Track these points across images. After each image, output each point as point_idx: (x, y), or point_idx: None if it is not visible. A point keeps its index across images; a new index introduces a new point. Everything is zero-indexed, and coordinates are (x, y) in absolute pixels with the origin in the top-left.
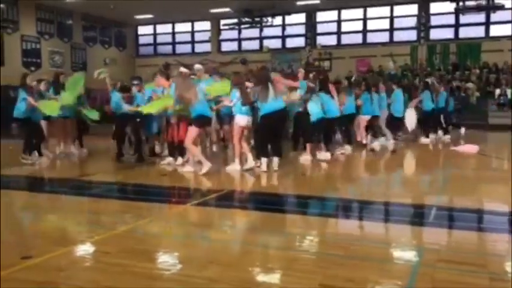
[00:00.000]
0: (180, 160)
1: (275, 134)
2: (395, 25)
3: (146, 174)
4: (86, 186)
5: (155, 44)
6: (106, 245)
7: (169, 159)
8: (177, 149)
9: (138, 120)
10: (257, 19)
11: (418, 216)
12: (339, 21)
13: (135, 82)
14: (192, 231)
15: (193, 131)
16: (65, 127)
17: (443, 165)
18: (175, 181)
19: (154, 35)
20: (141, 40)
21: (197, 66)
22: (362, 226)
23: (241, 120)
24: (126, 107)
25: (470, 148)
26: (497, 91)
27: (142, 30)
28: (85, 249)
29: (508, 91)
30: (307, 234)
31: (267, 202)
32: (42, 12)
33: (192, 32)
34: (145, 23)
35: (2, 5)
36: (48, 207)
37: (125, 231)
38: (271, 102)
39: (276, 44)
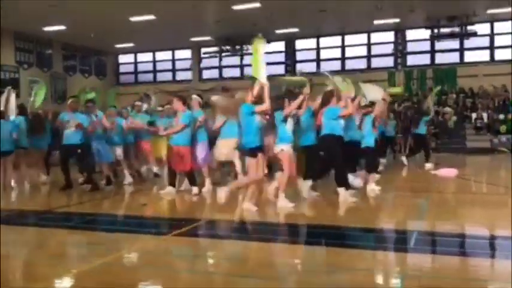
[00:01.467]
0: (195, 189)
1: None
2: (373, 52)
3: (126, 204)
4: (61, 218)
5: (136, 72)
6: (84, 280)
7: (170, 188)
8: (188, 178)
9: (78, 151)
10: (237, 47)
11: (399, 241)
12: (317, 49)
13: (89, 104)
14: (171, 263)
15: (252, 162)
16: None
17: (423, 189)
18: (156, 211)
19: (135, 63)
20: (122, 68)
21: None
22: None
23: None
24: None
25: (449, 172)
26: (474, 115)
27: (123, 58)
28: (62, 284)
29: (484, 115)
30: None
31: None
32: (21, 42)
33: (173, 60)
34: (126, 51)
35: None
36: (20, 240)
37: (103, 264)
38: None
39: None
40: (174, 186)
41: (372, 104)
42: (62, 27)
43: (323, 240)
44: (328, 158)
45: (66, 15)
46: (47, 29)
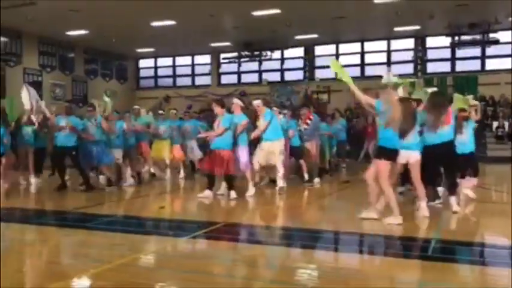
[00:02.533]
0: (233, 194)
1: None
2: (393, 59)
3: (144, 207)
4: (80, 219)
5: (156, 77)
6: (101, 279)
7: (207, 192)
8: (227, 182)
9: (73, 153)
10: (256, 53)
11: (418, 250)
12: (336, 55)
13: (89, 109)
14: (189, 265)
15: (383, 165)
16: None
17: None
18: (173, 214)
19: (155, 68)
20: (142, 73)
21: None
22: None
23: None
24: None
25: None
26: (495, 124)
27: (143, 63)
28: (79, 283)
29: (506, 124)
30: None
31: None
32: (44, 46)
33: (193, 65)
34: (147, 56)
35: (4, 39)
36: (40, 240)
37: (120, 265)
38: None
39: (275, 77)
40: (211, 190)
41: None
42: (84, 32)
43: None
44: (447, 165)
45: (88, 20)
46: (69, 33)
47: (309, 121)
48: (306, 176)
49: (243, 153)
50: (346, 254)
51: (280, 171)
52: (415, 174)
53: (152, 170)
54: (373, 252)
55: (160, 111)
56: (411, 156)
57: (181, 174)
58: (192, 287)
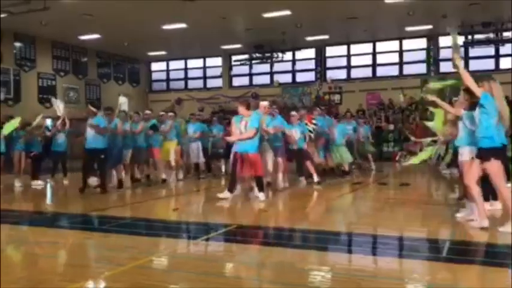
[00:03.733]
0: (262, 196)
1: None
2: (405, 59)
3: (156, 209)
4: (95, 222)
5: (168, 80)
6: (116, 282)
7: (227, 193)
8: (257, 184)
9: (102, 156)
10: (268, 54)
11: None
12: (348, 56)
13: (108, 112)
14: (202, 267)
15: (475, 166)
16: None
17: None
18: (186, 216)
19: (167, 71)
20: (154, 76)
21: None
22: None
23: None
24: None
25: None
26: None
27: (155, 66)
28: (95, 285)
29: None
30: None
31: None
32: (58, 50)
33: (204, 68)
34: (158, 59)
35: (19, 44)
36: (56, 242)
37: (134, 267)
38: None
39: (287, 78)
40: (231, 192)
41: None
42: (97, 36)
43: None
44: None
45: (100, 24)
46: (82, 37)
47: (314, 121)
48: (315, 178)
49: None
50: (359, 256)
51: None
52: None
53: (164, 176)
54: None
55: (162, 112)
56: None
57: (180, 175)
58: None
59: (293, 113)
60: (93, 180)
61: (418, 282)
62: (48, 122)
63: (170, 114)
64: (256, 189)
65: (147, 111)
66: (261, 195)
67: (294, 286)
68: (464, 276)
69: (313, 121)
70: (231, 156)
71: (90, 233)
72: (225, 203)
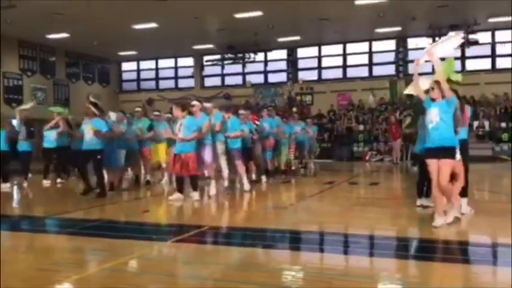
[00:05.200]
0: (196, 195)
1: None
2: (374, 60)
3: (128, 211)
4: (62, 224)
5: (138, 80)
6: (85, 285)
7: (178, 194)
8: (191, 183)
9: (98, 157)
10: (240, 55)
11: (401, 249)
12: (319, 57)
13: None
14: (174, 269)
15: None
16: None
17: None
18: (158, 218)
19: (138, 70)
20: (125, 76)
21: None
22: None
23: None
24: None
25: None
26: (476, 123)
27: (126, 66)
28: None
29: (486, 123)
30: None
31: None
32: (25, 49)
33: (176, 68)
34: (129, 59)
35: None
36: (23, 245)
37: (103, 270)
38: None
39: (259, 79)
40: (181, 193)
41: None
42: (66, 35)
43: None
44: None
45: (69, 23)
46: (50, 36)
47: (257, 121)
48: (254, 177)
49: (207, 154)
50: (329, 255)
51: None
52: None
53: (148, 177)
54: None
55: (157, 113)
56: None
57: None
58: None
59: (241, 111)
60: (4, 187)
61: (388, 280)
62: (15, 122)
63: (167, 115)
64: (213, 188)
65: (137, 109)
66: (195, 195)
67: (265, 286)
68: (433, 274)
69: (256, 122)
70: (171, 158)
71: (57, 236)
72: (197, 204)
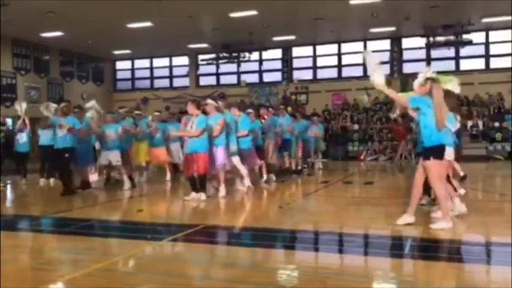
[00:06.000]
0: (203, 195)
1: None
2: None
3: (122, 210)
4: (56, 224)
5: (133, 79)
6: (78, 285)
7: (194, 194)
8: (200, 182)
9: (66, 155)
10: (235, 54)
11: (395, 248)
12: (314, 56)
13: (76, 110)
14: (168, 268)
15: (436, 165)
16: None
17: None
18: (152, 217)
19: (132, 69)
20: (119, 75)
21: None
22: None
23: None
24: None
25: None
26: (470, 123)
27: (120, 65)
28: None
29: (480, 123)
30: None
31: None
32: (18, 48)
33: (170, 67)
34: (124, 58)
35: None
36: (15, 245)
37: (97, 270)
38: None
39: (254, 78)
40: (197, 192)
41: None
42: (60, 34)
43: None
44: None
45: (63, 21)
46: (44, 35)
47: (263, 120)
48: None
49: (220, 154)
50: (324, 254)
51: None
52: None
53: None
54: None
55: (137, 112)
56: None
57: (168, 177)
58: None
59: (249, 110)
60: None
61: (382, 279)
62: (9, 121)
63: (156, 113)
64: (222, 189)
65: (122, 110)
66: (202, 195)
67: (260, 285)
68: (427, 273)
69: (263, 119)
70: (183, 158)
71: (50, 235)
72: (193, 203)
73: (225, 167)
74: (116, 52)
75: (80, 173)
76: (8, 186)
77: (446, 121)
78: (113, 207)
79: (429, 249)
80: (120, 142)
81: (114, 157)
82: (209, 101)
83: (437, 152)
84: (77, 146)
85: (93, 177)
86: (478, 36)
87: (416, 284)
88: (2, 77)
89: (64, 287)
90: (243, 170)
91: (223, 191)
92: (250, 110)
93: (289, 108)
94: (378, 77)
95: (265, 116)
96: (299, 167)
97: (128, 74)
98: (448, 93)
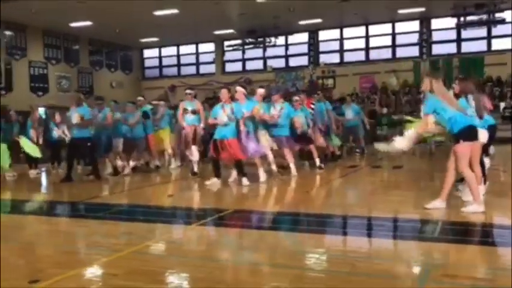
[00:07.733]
0: (245, 181)
1: None
2: (398, 42)
3: (151, 195)
4: (91, 209)
5: (160, 67)
6: (113, 267)
7: (214, 179)
8: (237, 168)
9: (89, 144)
10: (260, 39)
11: (425, 231)
12: (341, 40)
13: (99, 102)
14: (198, 252)
15: (464, 148)
16: None
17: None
18: (181, 201)
19: (160, 57)
20: (147, 63)
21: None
22: None
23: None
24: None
25: None
26: (502, 104)
27: (147, 53)
28: (92, 271)
29: None
30: None
31: None
32: (49, 38)
33: (197, 54)
34: (151, 46)
35: (10, 33)
36: (53, 230)
37: (131, 253)
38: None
39: (280, 63)
40: (218, 178)
41: None
42: (88, 23)
43: None
44: None
45: (92, 11)
46: (73, 25)
47: (312, 106)
48: (317, 162)
49: (252, 140)
50: (353, 238)
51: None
52: None
53: (157, 162)
54: None
55: (155, 102)
56: None
57: (178, 163)
58: (202, 273)
59: (296, 97)
60: (32, 173)
61: (411, 263)
62: (41, 111)
63: (161, 102)
64: (234, 173)
65: (140, 98)
66: (244, 180)
67: (289, 268)
68: (458, 257)
69: (312, 105)
70: (211, 143)
71: (85, 220)
72: (223, 188)
73: (259, 153)
74: (143, 40)
75: (109, 160)
76: (43, 174)
77: (460, 105)
78: (143, 192)
79: (460, 232)
80: (125, 130)
81: (115, 144)
82: (238, 88)
83: (466, 133)
84: (97, 135)
85: (131, 164)
86: (510, 15)
87: (447, 267)
88: (34, 67)
89: (100, 269)
90: (290, 157)
91: (264, 176)
92: (297, 98)
93: (319, 93)
94: (400, 142)
95: (311, 104)
96: (338, 152)
97: (156, 62)
98: (462, 80)
